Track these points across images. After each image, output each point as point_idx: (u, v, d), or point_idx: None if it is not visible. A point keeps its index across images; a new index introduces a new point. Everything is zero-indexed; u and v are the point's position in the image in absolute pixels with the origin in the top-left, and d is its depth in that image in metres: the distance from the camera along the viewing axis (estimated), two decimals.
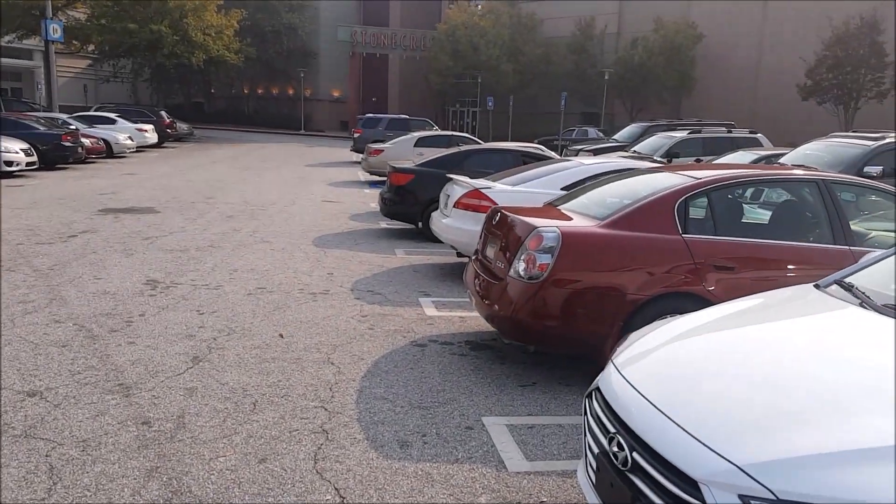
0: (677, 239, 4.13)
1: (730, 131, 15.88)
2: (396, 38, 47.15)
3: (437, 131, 22.77)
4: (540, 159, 9.55)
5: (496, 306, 4.30)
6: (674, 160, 13.11)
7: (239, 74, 51.94)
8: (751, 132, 15.74)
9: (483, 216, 6.73)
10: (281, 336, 4.97)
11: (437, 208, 9.08)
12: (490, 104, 37.01)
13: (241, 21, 37.16)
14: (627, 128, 19.40)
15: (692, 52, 35.32)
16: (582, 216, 4.56)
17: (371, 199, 14.43)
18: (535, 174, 7.50)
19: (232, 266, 7.32)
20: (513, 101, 37.99)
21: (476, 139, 18.81)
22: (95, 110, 30.08)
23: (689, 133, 15.49)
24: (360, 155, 26.12)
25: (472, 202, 6.95)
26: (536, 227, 4.19)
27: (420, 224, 9.45)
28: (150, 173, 17.89)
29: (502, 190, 6.99)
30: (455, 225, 7.07)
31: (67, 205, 11.46)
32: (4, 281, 6.15)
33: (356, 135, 25.72)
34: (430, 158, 9.73)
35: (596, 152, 17.04)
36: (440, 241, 8.06)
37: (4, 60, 44.99)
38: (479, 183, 7.16)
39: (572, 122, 41.93)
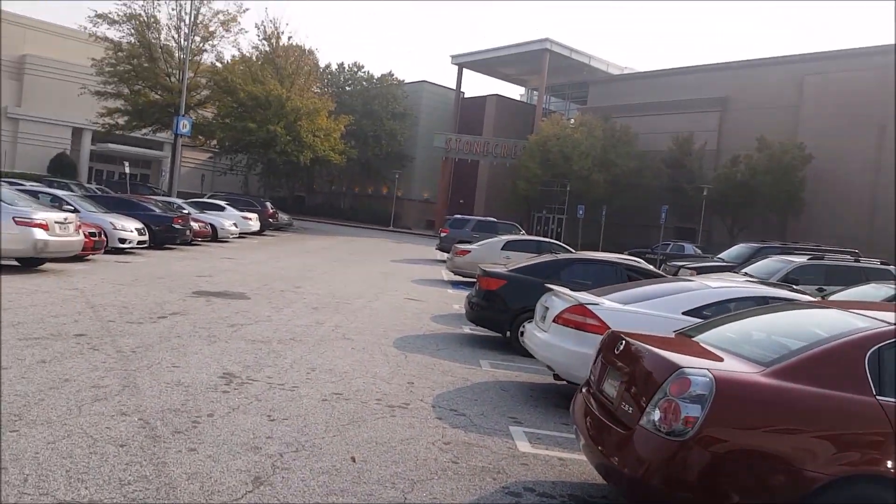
0: (870, 402, 3.27)
1: (857, 260, 14.53)
2: (489, 146, 48.72)
3: (525, 235, 22.49)
4: (648, 275, 8.92)
5: (616, 459, 3.55)
6: (794, 288, 12.01)
7: (339, 173, 54.99)
8: (882, 262, 14.38)
9: (588, 336, 6.20)
10: (353, 460, 4.43)
11: (528, 318, 8.56)
12: (580, 212, 36.80)
13: (347, 126, 39.64)
14: (735, 248, 18.34)
15: (801, 172, 33.98)
16: (733, 356, 3.74)
17: (455, 301, 14.09)
18: (647, 293, 6.88)
19: (311, 364, 7.00)
20: (595, 211, 37.64)
21: (566, 246, 18.34)
22: (209, 198, 32.20)
23: (810, 259, 14.30)
24: (446, 254, 26.39)
25: (576, 319, 6.37)
26: (681, 368, 3.43)
27: (508, 334, 8.90)
28: (248, 259, 18.49)
29: (612, 308, 6.39)
30: (554, 342, 6.48)
31: (166, 284, 11.78)
32: (86, 360, 6.07)
33: (443, 234, 25.97)
34: (525, 264, 9.30)
35: (699, 271, 16.09)
36: (530, 355, 7.47)
37: (138, 150, 50.11)
38: (584, 297, 6.60)
39: (665, 236, 40.93)
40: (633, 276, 9.29)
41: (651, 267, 10.71)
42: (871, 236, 32.49)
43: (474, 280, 18.23)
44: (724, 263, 16.99)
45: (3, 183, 15.29)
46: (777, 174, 33.57)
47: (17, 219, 10.54)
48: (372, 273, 18.17)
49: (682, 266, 17.01)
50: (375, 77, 55.60)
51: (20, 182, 22.82)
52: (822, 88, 36.47)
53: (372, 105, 52.65)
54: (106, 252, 15.54)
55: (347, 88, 55.38)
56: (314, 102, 36.69)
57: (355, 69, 56.43)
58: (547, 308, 7.04)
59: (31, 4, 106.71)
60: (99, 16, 33.31)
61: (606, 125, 42.11)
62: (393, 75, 55.58)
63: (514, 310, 8.73)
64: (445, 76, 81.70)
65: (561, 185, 43.10)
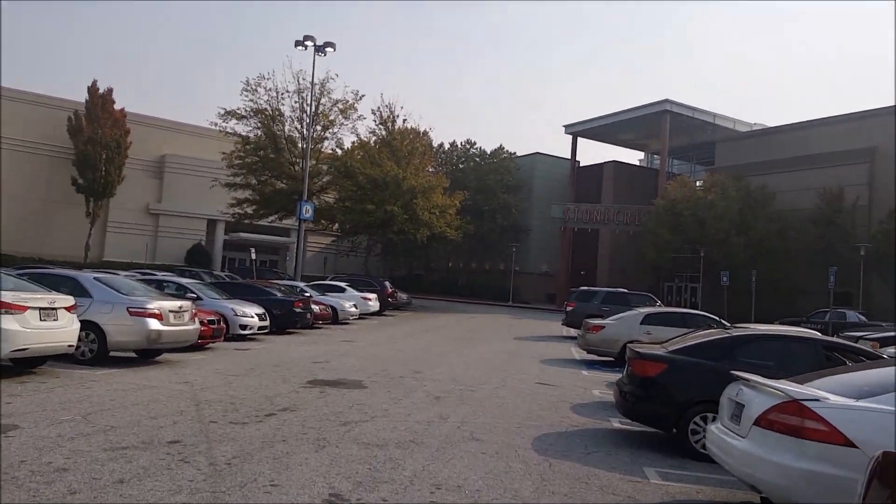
0: None
1: None
2: (609, 213, 46.70)
3: (664, 307, 20.21)
4: (856, 353, 6.88)
5: None
6: None
7: (455, 249, 54.88)
8: None
9: (810, 446, 4.47)
10: None
11: (699, 412, 6.77)
12: (725, 279, 33.50)
13: (462, 201, 39.51)
14: None
15: None
16: None
17: (592, 384, 12.32)
18: (874, 380, 5.01)
19: (435, 477, 5.65)
20: (734, 277, 34.03)
21: (716, 318, 16.01)
22: (330, 280, 32.64)
23: None
24: (574, 330, 24.41)
25: (790, 421, 4.64)
26: None
27: (675, 431, 7.09)
28: (366, 341, 17.77)
29: (842, 406, 4.59)
30: (760, 454, 4.75)
31: (280, 373, 11.05)
32: (171, 478, 5.10)
33: (569, 308, 24.17)
34: (689, 343, 7.51)
35: (882, 342, 13.26)
36: (706, 458, 5.74)
37: (267, 237, 52.93)
38: (797, 390, 4.84)
39: (818, 303, 36.25)
40: (833, 355, 7.26)
41: (859, 345, 8.50)
42: None
43: (610, 359, 16.54)
44: None
45: (121, 273, 15.76)
46: None
47: (131, 309, 10.32)
48: (495, 353, 16.76)
49: (860, 337, 14.15)
50: (488, 152, 55.94)
51: (153, 272, 24.01)
52: None
53: (486, 180, 52.69)
54: (227, 339, 15.35)
55: (461, 165, 56.05)
56: (429, 180, 36.95)
57: (467, 146, 57.20)
58: (740, 405, 5.31)
59: (171, 107, 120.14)
60: (228, 112, 35.90)
61: (740, 185, 38.90)
62: (504, 149, 55.66)
63: (680, 402, 6.97)
64: (558, 146, 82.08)
65: (694, 251, 39.90)
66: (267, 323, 17.11)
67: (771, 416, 4.81)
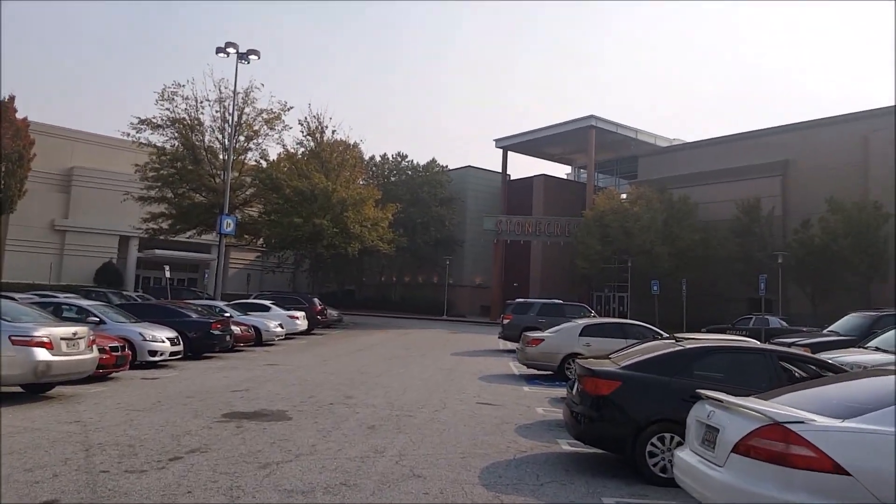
0: None
1: None
2: (541, 225, 47.05)
3: (601, 318, 20.00)
4: (816, 365, 6.52)
5: None
6: None
7: (388, 263, 53.86)
8: None
9: (799, 475, 3.96)
10: None
11: (657, 433, 6.23)
12: (655, 288, 34.04)
13: (394, 214, 38.63)
14: (847, 318, 15.53)
15: (879, 232, 30.89)
16: None
17: (535, 402, 11.76)
18: (860, 397, 4.55)
19: None
20: (661, 286, 34.68)
21: (654, 329, 15.83)
22: (254, 298, 30.96)
23: None
24: (510, 343, 23.99)
25: (774, 448, 4.10)
26: None
27: (632, 451, 6.49)
28: (293, 363, 16.59)
29: (831, 428, 4.08)
30: (742, 486, 4.19)
31: (192, 405, 9.85)
32: None
33: (505, 321, 23.73)
34: (642, 358, 6.93)
35: (814, 348, 13.33)
36: (667, 482, 5.20)
37: (185, 254, 50.20)
38: (781, 413, 4.31)
39: (738, 309, 37.53)
40: (791, 368, 6.89)
41: (818, 356, 8.20)
42: None
43: (550, 372, 16.07)
44: (842, 337, 14.15)
45: (16, 296, 14.05)
46: (857, 236, 30.57)
47: (14, 337, 8.88)
48: (432, 371, 15.96)
49: (792, 343, 14.22)
50: (420, 165, 55.41)
51: (54, 294, 21.91)
52: (889, 144, 33.81)
53: (418, 193, 52.08)
54: (135, 367, 13.91)
55: (392, 178, 55.22)
56: (360, 193, 35.88)
57: (399, 159, 56.48)
58: (713, 428, 4.75)
59: (79, 116, 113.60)
60: (142, 122, 33.68)
61: (664, 197, 39.99)
62: (437, 162, 55.30)
63: (637, 421, 6.39)
64: (489, 160, 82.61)
65: (622, 261, 40.61)
66: (180, 348, 15.66)
67: (752, 441, 4.26)
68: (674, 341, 7.50)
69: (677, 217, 39.05)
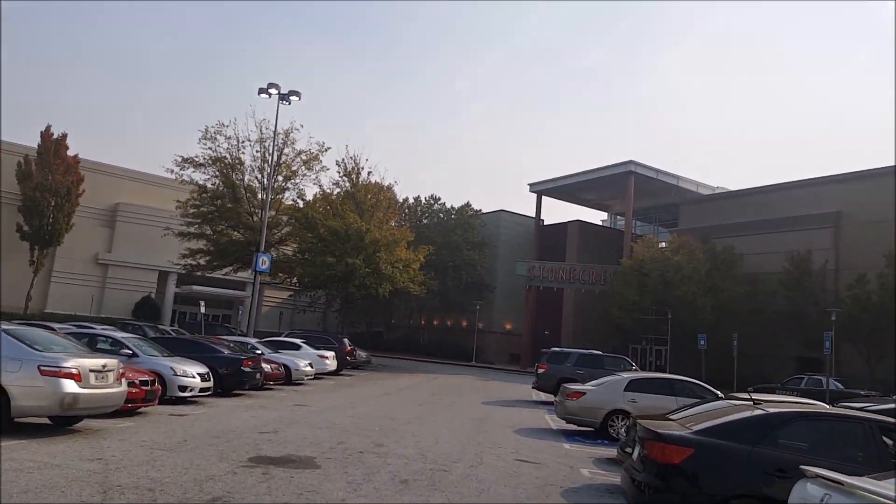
0: None
1: None
2: (575, 272, 46.18)
3: (647, 372, 19.05)
4: None
5: None
6: None
7: (418, 305, 53.39)
8: None
9: None
10: None
11: None
12: (702, 342, 32.64)
13: (426, 256, 38.36)
14: None
15: None
16: None
17: (578, 461, 10.97)
18: None
19: None
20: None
21: (707, 386, 14.91)
22: (285, 336, 30.71)
23: None
24: (544, 394, 23.09)
25: None
26: None
27: None
28: (322, 405, 16.07)
29: None
30: None
31: (218, 446, 9.39)
32: None
33: (540, 370, 22.84)
34: (716, 423, 6.22)
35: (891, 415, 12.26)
36: None
37: (221, 290, 50.60)
38: None
39: (781, 367, 35.83)
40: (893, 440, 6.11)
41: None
42: None
43: (591, 429, 15.20)
44: None
45: (55, 326, 13.96)
46: None
47: (42, 367, 8.61)
48: (464, 421, 15.26)
49: (862, 408, 13.12)
50: (454, 208, 55.35)
51: (92, 325, 21.95)
52: None
53: (450, 236, 51.84)
54: (164, 401, 13.57)
55: (425, 221, 55.19)
56: (393, 234, 35.76)
57: (432, 202, 56.55)
58: None
59: (126, 154, 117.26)
60: (185, 160, 34.34)
61: (707, 247, 38.86)
62: (470, 206, 55.18)
63: (713, 496, 5.68)
64: (523, 205, 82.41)
65: (660, 312, 39.38)
66: (211, 384, 15.32)
67: None
68: (751, 403, 6.77)
69: (721, 268, 37.82)
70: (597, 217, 64.60)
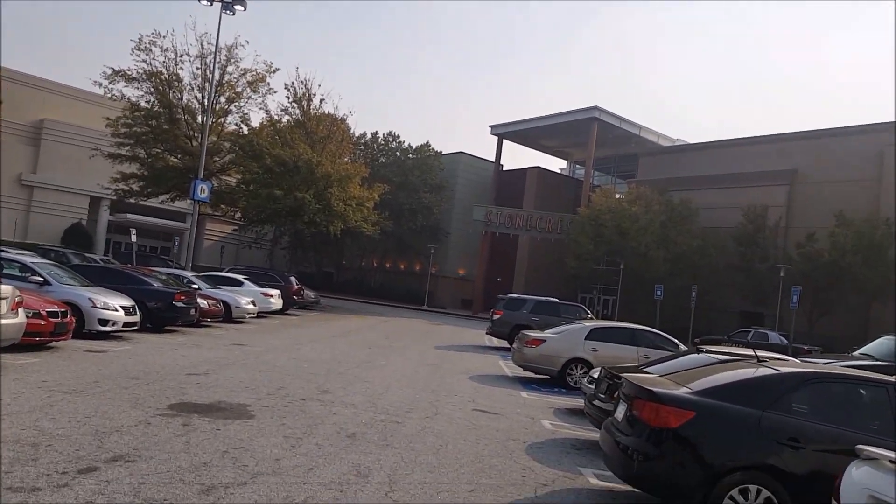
0: None
1: None
2: (532, 219, 45.44)
3: (609, 321, 18.43)
4: None
5: None
6: None
7: (371, 247, 52.00)
8: None
9: None
10: None
11: (735, 483, 4.66)
12: (659, 293, 32.51)
13: (381, 195, 36.75)
14: (880, 341, 14.19)
15: (890, 251, 29.71)
16: None
17: (538, 411, 10.22)
18: None
19: None
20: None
21: (666, 335, 14.33)
22: (228, 271, 29.05)
23: None
24: (498, 340, 22.48)
25: None
26: None
27: None
28: (263, 345, 14.86)
29: None
30: None
31: (135, 389, 8.12)
32: None
33: (496, 316, 22.11)
34: (722, 382, 5.26)
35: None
36: None
37: (158, 221, 47.90)
38: None
39: (726, 320, 36.38)
40: None
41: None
42: None
43: (545, 376, 14.52)
44: (883, 363, 12.73)
45: None
46: (867, 253, 29.35)
47: None
48: (417, 366, 14.33)
49: (826, 365, 12.72)
50: (412, 148, 53.40)
51: (5, 249, 19.86)
52: None
53: (408, 177, 50.12)
54: (82, 336, 12.12)
55: (382, 160, 53.16)
56: (346, 169, 33.88)
57: (390, 139, 54.37)
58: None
59: (54, 67, 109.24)
60: (116, 73, 31.27)
61: (664, 199, 38.55)
62: (430, 146, 53.35)
63: (714, 466, 4.80)
64: (483, 148, 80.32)
65: (612, 263, 39.24)
66: (137, 318, 13.88)
67: None
68: (755, 360, 5.88)
69: (676, 221, 37.65)
70: (556, 165, 63.81)
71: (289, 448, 6.15)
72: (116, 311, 13.16)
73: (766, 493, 4.68)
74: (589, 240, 38.78)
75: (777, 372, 5.25)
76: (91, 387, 8.03)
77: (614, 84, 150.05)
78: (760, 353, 6.31)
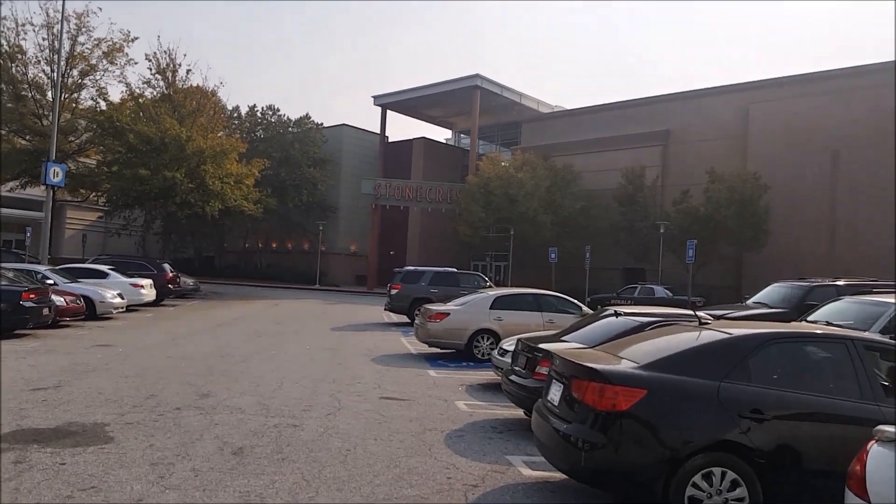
0: None
1: None
2: (422, 190, 44.69)
3: (512, 289, 17.99)
4: None
5: None
6: None
7: (254, 227, 49.18)
8: None
9: None
10: None
11: (697, 468, 4.08)
12: (553, 256, 32.89)
13: (262, 171, 34.39)
14: (772, 288, 14.69)
15: (760, 203, 31.83)
16: None
17: (451, 392, 9.48)
18: None
19: None
20: (539, 255, 33.76)
21: (571, 299, 14.04)
22: (92, 262, 25.98)
23: None
24: (397, 315, 21.60)
25: None
26: None
27: (664, 496, 4.21)
28: (133, 344, 13.05)
29: None
30: None
31: None
32: None
33: (393, 291, 21.19)
34: (672, 352, 4.58)
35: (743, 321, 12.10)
36: None
37: (11, 211, 42.37)
38: None
39: (609, 278, 37.79)
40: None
41: None
42: (832, 265, 30.51)
43: (450, 350, 13.86)
44: (775, 310, 13.16)
45: None
46: (739, 206, 31.25)
47: None
48: (313, 353, 13.15)
49: (722, 316, 12.92)
50: (291, 120, 50.61)
51: None
52: (769, 116, 35.03)
53: (289, 151, 47.51)
54: None
55: (260, 134, 49.99)
56: (221, 144, 31.26)
57: (269, 112, 51.17)
58: None
59: None
60: None
61: (548, 164, 39.18)
62: (310, 118, 50.83)
63: (674, 450, 4.17)
64: (367, 120, 77.90)
65: (501, 230, 39.48)
66: None
67: None
68: (696, 322, 5.31)
69: (561, 185, 38.41)
70: (441, 136, 63.36)
71: (156, 480, 4.91)
72: None
73: (731, 475, 4.13)
74: (479, 208, 38.76)
75: (730, 335, 4.70)
76: None
77: (495, 53, 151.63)
78: (702, 315, 5.81)
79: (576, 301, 13.92)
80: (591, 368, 4.49)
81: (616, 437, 4.22)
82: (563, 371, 4.91)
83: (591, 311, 12.94)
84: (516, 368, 7.52)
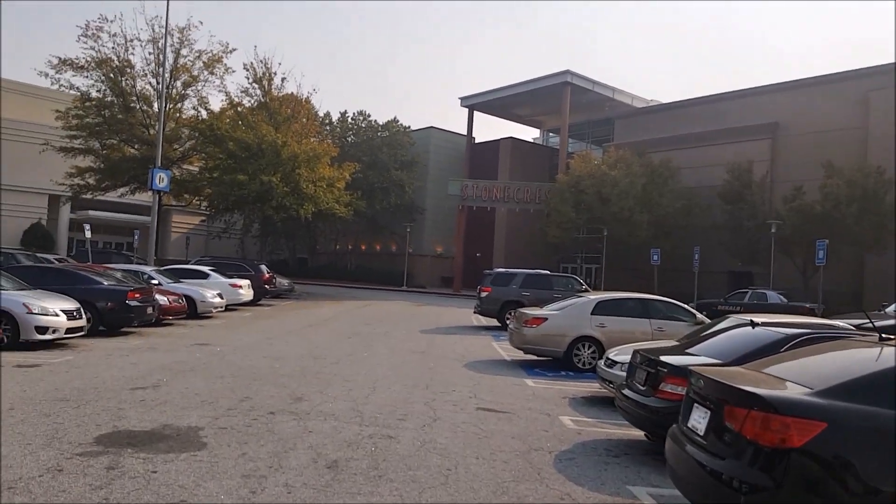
0: None
1: None
2: (509, 190, 43.90)
3: (615, 293, 17.02)
4: None
5: None
6: None
7: (344, 229, 50.17)
8: None
9: None
10: None
11: None
12: (656, 258, 31.13)
13: (352, 174, 34.87)
14: None
15: (884, 199, 28.68)
16: None
17: (553, 405, 8.76)
18: None
19: None
20: (636, 257, 31.91)
21: (682, 305, 12.95)
22: (194, 263, 27.15)
23: None
24: (486, 319, 21.03)
25: None
26: None
27: None
28: (230, 343, 13.20)
29: None
30: None
31: (60, 416, 6.48)
32: None
33: (483, 294, 20.63)
34: (850, 377, 3.72)
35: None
36: None
37: (121, 216, 45.41)
38: None
39: (713, 282, 35.46)
40: None
41: None
42: None
43: (548, 358, 13.10)
44: None
45: None
46: (862, 203, 28.33)
47: None
48: (404, 356, 12.80)
49: (858, 326, 11.38)
50: (378, 125, 51.26)
51: None
52: (893, 104, 31.70)
53: (378, 155, 48.12)
54: (17, 347, 10.47)
55: (350, 139, 50.97)
56: (314, 149, 31.91)
57: (360, 118, 52.06)
58: None
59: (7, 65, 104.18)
60: (63, 62, 28.90)
61: (644, 161, 37.28)
62: (398, 121, 51.29)
63: (856, 500, 3.34)
64: (454, 122, 77.97)
65: (593, 230, 38.02)
66: (83, 322, 12.14)
67: None
68: (876, 336, 4.40)
69: (658, 182, 36.45)
70: (528, 135, 62.22)
71: (247, 496, 4.56)
72: (57, 315, 11.43)
73: None
74: (570, 208, 37.52)
75: None
76: (8, 414, 6.34)
77: (585, 49, 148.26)
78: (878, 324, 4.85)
79: (688, 307, 12.80)
80: (753, 394, 3.70)
81: (783, 479, 3.42)
82: (709, 394, 4.14)
83: (707, 319, 11.87)
84: (633, 383, 6.72)
